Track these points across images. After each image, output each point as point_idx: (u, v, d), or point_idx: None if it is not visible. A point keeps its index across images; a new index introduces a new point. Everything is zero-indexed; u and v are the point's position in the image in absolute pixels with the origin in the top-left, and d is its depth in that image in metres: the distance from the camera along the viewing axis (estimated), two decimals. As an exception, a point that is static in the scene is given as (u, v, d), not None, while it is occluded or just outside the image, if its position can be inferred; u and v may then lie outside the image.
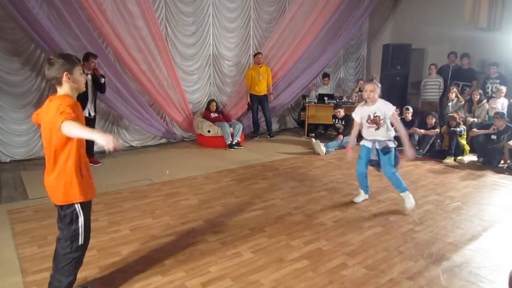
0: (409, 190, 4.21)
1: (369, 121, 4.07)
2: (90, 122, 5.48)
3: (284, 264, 3.07)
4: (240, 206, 4.29)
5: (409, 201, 4.16)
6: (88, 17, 5.92)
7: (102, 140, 2.00)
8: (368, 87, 4.03)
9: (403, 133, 4.12)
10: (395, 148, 4.13)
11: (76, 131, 2.08)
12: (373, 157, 4.14)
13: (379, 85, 4.08)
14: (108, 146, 1.99)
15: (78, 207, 2.37)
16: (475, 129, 6.45)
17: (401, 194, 4.21)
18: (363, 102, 4.16)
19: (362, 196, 4.44)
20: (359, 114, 4.17)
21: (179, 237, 3.52)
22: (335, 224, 3.83)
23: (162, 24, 6.94)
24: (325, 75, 8.72)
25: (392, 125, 4.12)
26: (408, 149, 4.01)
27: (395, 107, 4.07)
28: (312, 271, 2.98)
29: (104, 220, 3.85)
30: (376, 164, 4.22)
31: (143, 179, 5.17)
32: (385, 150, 4.07)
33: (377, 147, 4.08)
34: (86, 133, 2.08)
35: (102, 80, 5.57)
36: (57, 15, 5.80)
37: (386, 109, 4.02)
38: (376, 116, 4.02)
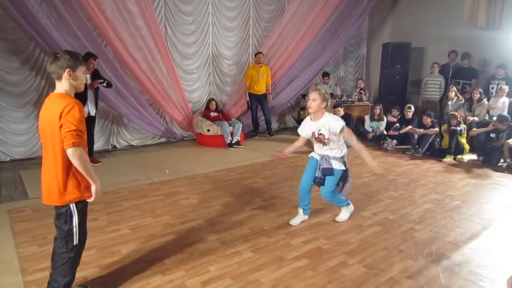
0: (350, 203, 3.94)
1: (313, 138, 3.60)
2: (90, 121, 5.48)
3: (284, 263, 3.07)
4: (240, 205, 4.29)
5: (344, 214, 3.90)
6: (88, 17, 5.92)
7: (95, 191, 2.36)
8: (311, 95, 3.51)
9: (359, 148, 3.61)
10: (344, 170, 3.69)
11: (81, 166, 2.25)
12: (318, 174, 3.64)
13: (327, 96, 3.53)
14: (95, 197, 2.38)
15: (72, 206, 2.35)
16: (474, 129, 6.45)
17: (342, 208, 3.92)
18: (309, 116, 3.64)
19: (300, 217, 3.85)
20: (303, 129, 3.70)
21: (179, 237, 3.52)
22: (334, 223, 3.83)
23: (162, 23, 6.94)
24: (325, 74, 8.72)
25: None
26: (370, 162, 3.64)
27: (343, 123, 3.52)
28: (312, 270, 2.98)
29: (104, 219, 3.85)
30: (320, 183, 3.69)
31: (143, 178, 5.17)
32: (326, 172, 3.60)
33: (321, 165, 3.62)
34: (87, 173, 2.29)
35: (105, 84, 5.61)
36: (57, 14, 5.80)
37: (332, 126, 3.49)
38: (320, 134, 3.52)
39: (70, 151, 2.20)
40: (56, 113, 2.20)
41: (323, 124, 3.52)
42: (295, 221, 3.83)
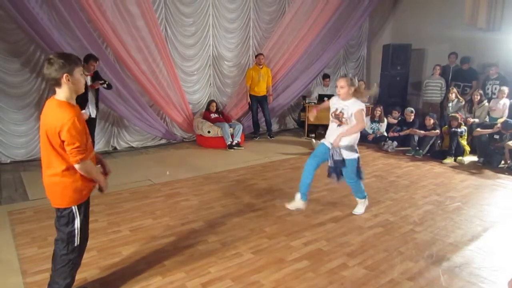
0: (366, 197, 4.11)
1: (333, 114, 3.76)
2: (91, 123, 5.47)
3: (284, 264, 3.07)
4: (240, 206, 4.29)
5: (361, 208, 4.08)
6: (88, 18, 5.93)
7: (102, 182, 2.48)
8: (339, 82, 3.67)
9: (350, 130, 3.66)
10: (357, 159, 3.78)
11: (88, 175, 2.36)
12: (331, 163, 3.78)
13: (355, 81, 3.68)
14: (104, 187, 2.50)
15: (75, 208, 2.35)
16: (479, 129, 6.44)
17: (357, 199, 4.09)
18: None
19: (297, 203, 3.90)
20: (333, 102, 3.83)
21: (179, 238, 3.52)
22: (335, 225, 3.83)
23: (162, 25, 6.94)
24: (326, 76, 8.70)
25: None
26: (336, 138, 3.66)
27: (361, 108, 3.63)
28: (312, 271, 2.97)
29: (104, 221, 3.85)
30: (334, 172, 3.83)
31: (143, 180, 5.17)
32: (338, 164, 3.72)
33: (334, 157, 3.72)
34: (94, 178, 2.41)
35: (105, 86, 5.58)
36: (57, 15, 5.80)
37: (354, 107, 3.63)
38: (341, 113, 3.69)
39: (77, 166, 2.27)
40: (55, 124, 2.16)
41: (347, 105, 3.68)
42: (292, 205, 3.93)
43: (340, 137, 3.67)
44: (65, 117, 2.16)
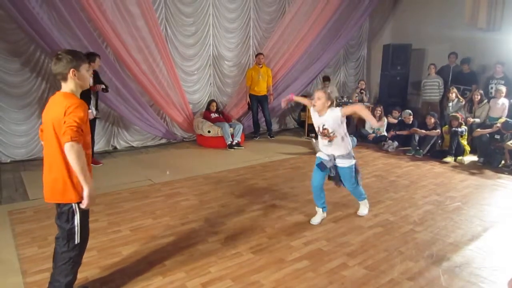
0: (366, 197, 4.11)
1: (320, 132, 3.70)
2: (92, 123, 5.43)
3: (284, 264, 3.07)
4: (240, 206, 4.29)
5: (364, 209, 4.09)
6: (88, 18, 5.93)
7: (87, 195, 2.26)
8: (316, 94, 3.59)
9: (358, 108, 3.66)
10: (354, 164, 3.78)
11: (76, 163, 2.15)
12: (331, 173, 3.79)
13: (332, 96, 3.63)
14: (87, 202, 2.27)
15: (75, 205, 2.35)
16: (479, 130, 6.44)
17: (359, 201, 4.11)
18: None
19: (319, 216, 3.91)
20: (314, 116, 3.73)
21: (179, 238, 3.52)
22: (335, 225, 3.83)
23: (162, 25, 6.95)
24: (326, 78, 8.65)
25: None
26: (372, 120, 3.66)
27: (340, 108, 3.60)
28: (313, 271, 2.98)
29: (104, 220, 3.85)
30: (335, 179, 3.87)
31: (143, 180, 5.17)
32: (321, 167, 3.73)
33: (331, 164, 3.71)
34: (81, 173, 2.19)
35: (105, 89, 5.57)
36: (57, 15, 5.80)
37: (333, 116, 3.56)
38: (325, 129, 3.62)
39: (67, 146, 2.13)
40: (61, 111, 2.21)
41: (326, 120, 3.61)
42: (316, 220, 3.89)
43: (371, 119, 3.62)
44: (70, 102, 2.23)
